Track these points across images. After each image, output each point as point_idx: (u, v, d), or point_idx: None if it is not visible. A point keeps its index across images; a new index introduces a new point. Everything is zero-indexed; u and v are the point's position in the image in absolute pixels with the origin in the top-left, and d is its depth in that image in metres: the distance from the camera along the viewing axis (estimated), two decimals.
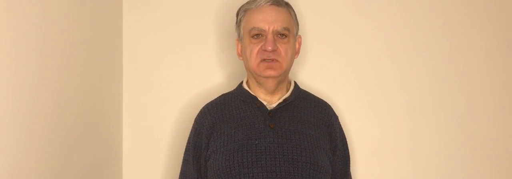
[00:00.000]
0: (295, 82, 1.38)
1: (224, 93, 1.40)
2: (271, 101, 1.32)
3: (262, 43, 1.25)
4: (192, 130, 1.36)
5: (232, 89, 1.40)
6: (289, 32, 1.28)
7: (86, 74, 1.40)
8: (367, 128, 1.66)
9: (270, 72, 1.25)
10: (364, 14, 1.68)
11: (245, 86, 1.35)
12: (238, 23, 1.33)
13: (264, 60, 1.25)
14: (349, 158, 1.39)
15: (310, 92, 1.42)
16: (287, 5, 1.32)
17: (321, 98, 1.42)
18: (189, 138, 1.36)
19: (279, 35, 1.26)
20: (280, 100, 1.30)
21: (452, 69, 1.67)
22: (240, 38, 1.34)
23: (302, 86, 1.58)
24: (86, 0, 1.40)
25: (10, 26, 1.01)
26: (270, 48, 1.23)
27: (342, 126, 1.64)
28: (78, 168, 1.34)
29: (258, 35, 1.26)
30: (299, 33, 1.36)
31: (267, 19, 1.25)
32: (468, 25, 1.68)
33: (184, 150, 1.38)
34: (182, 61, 1.68)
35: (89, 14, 1.42)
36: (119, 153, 1.65)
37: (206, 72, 1.67)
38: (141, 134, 1.67)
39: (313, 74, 1.67)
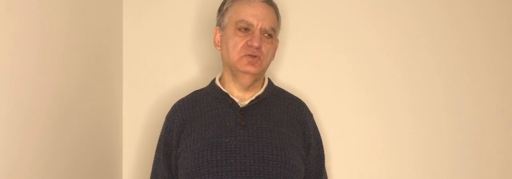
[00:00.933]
0: (269, 79, 1.36)
1: (196, 89, 1.38)
2: (244, 97, 1.30)
3: (248, 38, 1.23)
4: (163, 127, 1.34)
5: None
6: (274, 33, 1.28)
7: (86, 74, 1.40)
8: (368, 129, 1.65)
9: (250, 68, 1.23)
10: (364, 13, 1.67)
11: (217, 83, 1.32)
12: (223, 12, 1.30)
13: (247, 55, 1.23)
14: (323, 157, 1.37)
15: (285, 89, 1.40)
16: (275, 7, 1.31)
17: (296, 95, 1.40)
18: (160, 135, 1.34)
19: (265, 34, 1.25)
20: (253, 97, 1.28)
21: (455, 69, 1.66)
22: (221, 28, 1.30)
23: (299, 87, 1.58)
24: (86, 0, 1.39)
25: (9, 27, 1.00)
26: (256, 44, 1.21)
27: (343, 127, 1.64)
28: (78, 168, 1.34)
29: (245, 29, 1.24)
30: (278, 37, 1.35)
31: (257, 15, 1.24)
32: (471, 24, 1.67)
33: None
34: (182, 61, 1.67)
35: (89, 14, 1.42)
36: (119, 153, 1.65)
37: (207, 72, 1.67)
38: (141, 134, 1.67)
39: (312, 75, 1.66)
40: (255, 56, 1.23)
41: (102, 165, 1.52)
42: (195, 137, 1.23)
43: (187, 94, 1.63)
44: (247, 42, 1.23)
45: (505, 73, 1.67)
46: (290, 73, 1.66)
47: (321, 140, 1.38)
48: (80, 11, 1.36)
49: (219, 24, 1.32)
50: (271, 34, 1.27)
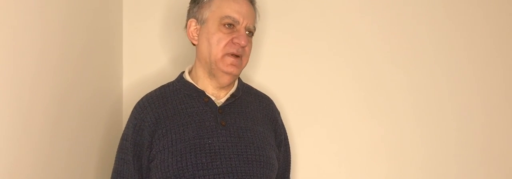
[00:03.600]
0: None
1: (163, 84, 1.32)
2: (218, 95, 1.25)
3: (233, 36, 1.20)
4: (129, 125, 1.25)
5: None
6: (254, 32, 1.27)
7: (86, 74, 1.40)
8: (368, 130, 1.65)
9: (233, 69, 1.20)
10: (365, 12, 1.67)
11: (188, 78, 1.27)
12: (201, 4, 1.24)
13: (230, 54, 1.19)
14: (290, 153, 1.38)
15: (251, 85, 1.39)
16: (256, 6, 1.30)
17: (264, 92, 1.39)
18: (125, 134, 1.25)
19: (247, 33, 1.23)
20: (228, 95, 1.25)
21: (458, 68, 1.66)
22: (199, 21, 1.25)
23: (298, 87, 1.58)
24: (86, 0, 1.40)
25: (9, 27, 1.01)
26: (244, 43, 1.19)
27: (344, 127, 1.63)
28: (78, 168, 1.34)
29: (230, 25, 1.21)
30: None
31: (243, 12, 1.21)
32: (475, 21, 1.67)
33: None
34: (182, 61, 1.67)
35: (89, 14, 1.42)
36: None
37: None
38: None
39: (312, 75, 1.66)
40: (237, 56, 1.20)
41: (102, 165, 1.52)
42: (173, 137, 1.17)
43: None
44: (233, 39, 1.20)
45: (509, 72, 1.66)
46: (288, 75, 1.66)
47: (287, 136, 1.38)
48: (80, 11, 1.36)
49: (195, 16, 1.26)
50: (253, 33, 1.25)
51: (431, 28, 1.67)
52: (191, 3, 1.29)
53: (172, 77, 1.67)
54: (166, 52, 1.68)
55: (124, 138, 1.26)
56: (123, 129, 1.66)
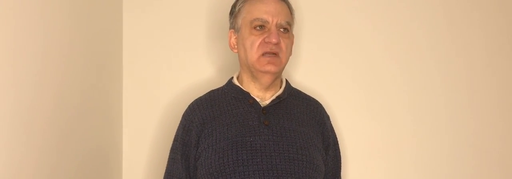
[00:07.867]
0: (286, 79, 1.35)
1: (213, 89, 1.36)
2: (264, 97, 1.29)
3: (264, 36, 1.22)
4: (180, 127, 1.32)
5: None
6: (290, 27, 1.27)
7: (86, 74, 1.40)
8: (368, 129, 1.66)
9: (270, 68, 1.21)
10: (364, 13, 1.67)
11: (236, 82, 1.31)
12: (235, 13, 1.29)
13: (265, 54, 1.22)
14: (340, 159, 1.37)
15: (301, 90, 1.40)
16: (287, 1, 1.30)
17: (313, 97, 1.39)
18: (177, 135, 1.32)
19: (281, 29, 1.24)
20: (273, 97, 1.28)
21: (454, 68, 1.66)
22: (236, 30, 1.29)
23: (300, 87, 1.58)
24: (86, 0, 1.40)
25: (10, 26, 1.01)
26: (274, 40, 1.20)
27: (343, 127, 1.64)
28: (78, 168, 1.34)
29: (261, 26, 1.23)
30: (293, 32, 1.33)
31: (271, 11, 1.23)
32: (470, 23, 1.67)
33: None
34: (182, 61, 1.67)
35: (89, 14, 1.42)
36: (119, 153, 1.65)
37: (208, 72, 1.67)
38: (141, 134, 1.67)
39: (312, 75, 1.67)
40: (274, 54, 1.22)
41: (102, 165, 1.52)
42: (217, 136, 1.22)
43: (187, 93, 1.63)
44: (264, 39, 1.21)
45: (504, 73, 1.67)
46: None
47: (337, 141, 1.38)
48: (80, 11, 1.36)
49: (233, 26, 1.30)
50: (288, 29, 1.26)
51: (428, 29, 1.67)
52: (229, 15, 1.33)
53: (172, 77, 1.68)
54: (166, 52, 1.68)
55: (175, 139, 1.33)
56: (123, 129, 1.67)
